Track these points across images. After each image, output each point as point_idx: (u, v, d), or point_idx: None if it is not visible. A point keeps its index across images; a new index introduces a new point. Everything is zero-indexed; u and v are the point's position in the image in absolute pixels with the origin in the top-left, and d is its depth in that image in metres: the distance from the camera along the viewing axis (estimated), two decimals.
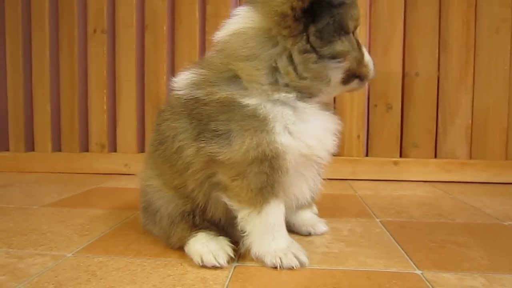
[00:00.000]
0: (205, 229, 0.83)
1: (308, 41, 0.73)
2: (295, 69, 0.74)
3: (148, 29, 1.90)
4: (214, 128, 0.74)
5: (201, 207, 0.82)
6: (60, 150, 2.01)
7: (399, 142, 1.80)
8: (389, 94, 1.79)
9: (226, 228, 0.85)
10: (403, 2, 1.77)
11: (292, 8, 0.71)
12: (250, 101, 0.73)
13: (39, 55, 1.97)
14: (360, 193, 1.52)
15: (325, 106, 0.82)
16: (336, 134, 0.84)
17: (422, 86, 1.78)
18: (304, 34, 0.73)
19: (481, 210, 1.24)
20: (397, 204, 1.32)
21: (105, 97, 1.94)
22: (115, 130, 1.97)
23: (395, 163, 1.77)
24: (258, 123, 0.72)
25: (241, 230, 0.78)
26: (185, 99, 0.79)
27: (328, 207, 1.25)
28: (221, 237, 0.82)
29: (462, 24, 1.74)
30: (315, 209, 1.07)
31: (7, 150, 2.05)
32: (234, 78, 0.75)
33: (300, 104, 0.76)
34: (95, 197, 1.43)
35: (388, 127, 1.80)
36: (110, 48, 1.94)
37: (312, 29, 0.73)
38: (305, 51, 0.73)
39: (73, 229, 1.00)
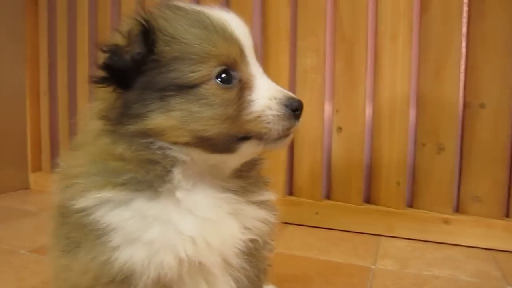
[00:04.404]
0: None
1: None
2: None
3: None
4: None
5: None
6: None
7: (453, 194, 1.39)
8: (442, 130, 1.39)
9: None
10: (463, 9, 1.34)
11: None
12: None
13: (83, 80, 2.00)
14: (381, 265, 1.19)
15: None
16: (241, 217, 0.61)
17: (488, 121, 1.34)
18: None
19: None
20: None
21: None
22: None
23: (446, 220, 1.37)
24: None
25: None
26: None
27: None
28: None
29: None
30: None
31: None
32: None
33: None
34: None
35: (439, 173, 1.40)
36: None
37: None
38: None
39: None
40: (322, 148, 1.54)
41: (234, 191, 0.62)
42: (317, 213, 1.53)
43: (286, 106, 0.57)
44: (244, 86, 0.58)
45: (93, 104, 0.61)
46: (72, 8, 1.98)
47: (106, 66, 0.55)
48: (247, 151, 0.59)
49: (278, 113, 0.57)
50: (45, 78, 2.09)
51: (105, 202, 0.56)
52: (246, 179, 0.65)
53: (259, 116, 0.56)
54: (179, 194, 0.57)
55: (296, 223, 1.55)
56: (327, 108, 1.56)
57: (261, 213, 0.65)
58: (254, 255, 0.66)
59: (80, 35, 1.95)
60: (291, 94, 0.59)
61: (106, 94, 0.58)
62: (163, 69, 0.55)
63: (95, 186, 0.56)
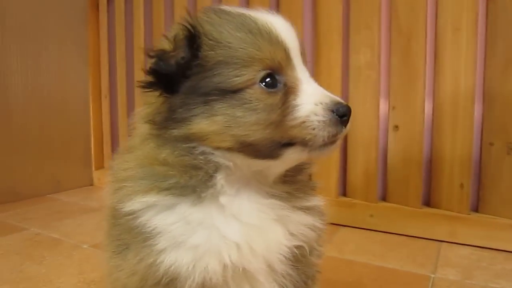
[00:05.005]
0: None
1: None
2: None
3: None
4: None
5: None
6: None
7: None
8: None
9: None
10: None
11: None
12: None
13: None
14: (441, 274, 1.11)
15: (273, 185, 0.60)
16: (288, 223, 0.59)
17: None
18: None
19: None
20: None
21: None
22: None
23: None
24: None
25: None
26: None
27: None
28: None
29: None
30: None
31: None
32: None
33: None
34: None
35: (509, 175, 1.28)
36: None
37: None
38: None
39: None
40: (377, 148, 1.47)
41: (279, 197, 0.60)
42: (371, 216, 1.46)
43: (332, 111, 0.54)
44: (289, 91, 0.56)
45: (142, 108, 0.62)
46: (129, 15, 2.07)
47: (152, 71, 0.56)
48: (291, 157, 0.57)
49: (324, 119, 0.54)
50: (106, 82, 2.21)
51: (151, 206, 0.56)
52: (292, 184, 0.63)
53: (304, 122, 0.54)
54: (222, 199, 0.57)
55: (349, 225, 1.50)
56: (383, 105, 1.49)
57: (308, 219, 0.63)
58: (301, 262, 0.64)
59: (137, 40, 2.03)
60: (338, 99, 0.56)
61: (153, 99, 0.58)
62: (208, 74, 0.54)
63: (141, 190, 0.57)
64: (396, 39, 1.42)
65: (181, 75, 0.55)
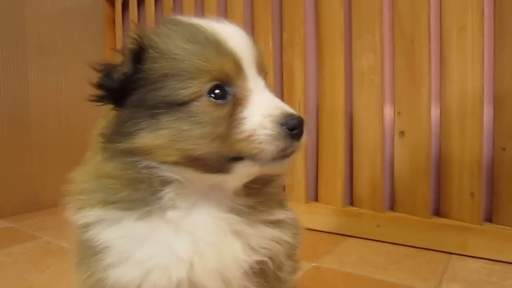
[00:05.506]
0: None
1: None
2: None
3: None
4: None
5: None
6: None
7: None
8: None
9: None
10: None
11: None
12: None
13: None
14: None
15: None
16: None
17: None
18: None
19: None
20: None
21: None
22: None
23: None
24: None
25: None
26: None
27: None
28: None
29: None
30: None
31: None
32: None
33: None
34: None
35: None
36: None
37: None
38: None
39: None
40: (382, 155, 1.41)
41: (239, 211, 0.58)
42: (378, 226, 1.40)
43: (282, 124, 0.51)
44: (238, 102, 0.53)
45: (98, 120, 0.63)
46: None
47: (99, 85, 0.56)
48: (242, 172, 0.54)
49: (272, 133, 0.51)
50: None
51: (100, 220, 0.56)
52: (257, 197, 0.60)
53: (251, 136, 0.51)
54: (171, 213, 0.55)
55: (355, 235, 1.44)
56: (388, 111, 1.43)
57: (273, 233, 0.60)
58: (269, 277, 0.61)
59: None
60: (290, 110, 0.53)
61: (106, 112, 0.59)
62: (154, 87, 0.53)
63: (92, 203, 0.57)
64: (399, 42, 1.37)
65: (125, 89, 0.54)
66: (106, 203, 0.56)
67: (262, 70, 0.58)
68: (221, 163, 0.53)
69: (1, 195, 1.84)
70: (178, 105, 0.52)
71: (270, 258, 0.59)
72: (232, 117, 0.52)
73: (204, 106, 0.52)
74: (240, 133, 0.52)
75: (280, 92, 1.62)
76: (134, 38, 0.55)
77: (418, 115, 1.33)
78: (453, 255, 1.26)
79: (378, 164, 1.41)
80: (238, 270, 0.57)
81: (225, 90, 0.53)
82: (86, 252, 0.58)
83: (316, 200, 1.59)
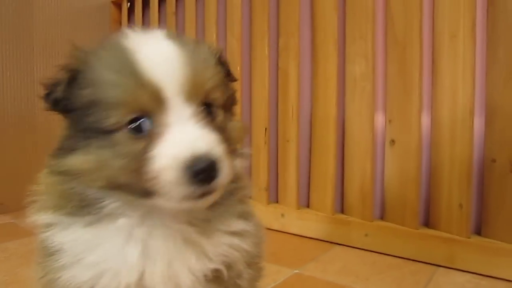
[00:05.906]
0: None
1: None
2: None
3: None
4: None
5: None
6: None
7: None
8: None
9: None
10: None
11: None
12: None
13: None
14: None
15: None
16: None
17: None
18: None
19: None
20: None
21: None
22: None
23: None
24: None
25: None
26: None
27: None
28: None
29: None
30: None
31: None
32: None
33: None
34: None
35: None
36: None
37: None
38: None
39: None
40: (373, 163, 1.39)
41: (194, 222, 0.58)
42: (366, 235, 1.38)
43: (188, 168, 0.48)
44: (153, 137, 0.51)
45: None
46: None
47: (44, 100, 0.57)
48: (164, 205, 0.53)
49: (172, 178, 0.49)
50: None
51: (54, 222, 0.58)
52: (213, 210, 0.59)
53: (155, 178, 0.49)
54: (122, 221, 0.56)
55: (343, 243, 1.43)
56: (379, 118, 1.41)
57: (230, 240, 0.61)
58: (227, 284, 0.62)
59: None
60: (200, 152, 0.49)
61: (63, 124, 0.60)
62: (85, 112, 0.53)
63: (47, 206, 0.59)
64: (391, 48, 1.35)
65: (66, 108, 0.55)
66: (56, 208, 0.58)
67: (196, 93, 0.54)
68: (143, 193, 0.52)
69: (6, 192, 1.91)
70: (103, 133, 0.52)
71: (227, 266, 0.60)
72: (145, 153, 0.50)
73: (124, 138, 0.51)
74: (148, 172, 0.50)
75: (275, 97, 1.62)
76: (71, 61, 0.56)
77: (409, 123, 1.31)
78: (440, 268, 1.23)
79: (368, 172, 1.40)
80: (190, 278, 0.58)
81: (143, 123, 0.52)
82: (43, 252, 0.59)
83: (308, 206, 1.58)
